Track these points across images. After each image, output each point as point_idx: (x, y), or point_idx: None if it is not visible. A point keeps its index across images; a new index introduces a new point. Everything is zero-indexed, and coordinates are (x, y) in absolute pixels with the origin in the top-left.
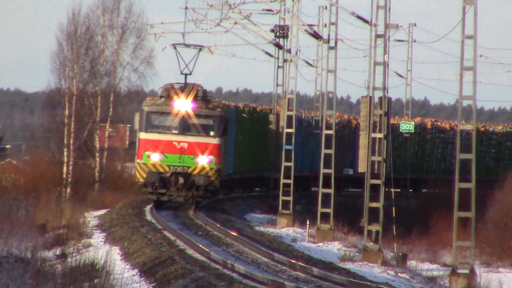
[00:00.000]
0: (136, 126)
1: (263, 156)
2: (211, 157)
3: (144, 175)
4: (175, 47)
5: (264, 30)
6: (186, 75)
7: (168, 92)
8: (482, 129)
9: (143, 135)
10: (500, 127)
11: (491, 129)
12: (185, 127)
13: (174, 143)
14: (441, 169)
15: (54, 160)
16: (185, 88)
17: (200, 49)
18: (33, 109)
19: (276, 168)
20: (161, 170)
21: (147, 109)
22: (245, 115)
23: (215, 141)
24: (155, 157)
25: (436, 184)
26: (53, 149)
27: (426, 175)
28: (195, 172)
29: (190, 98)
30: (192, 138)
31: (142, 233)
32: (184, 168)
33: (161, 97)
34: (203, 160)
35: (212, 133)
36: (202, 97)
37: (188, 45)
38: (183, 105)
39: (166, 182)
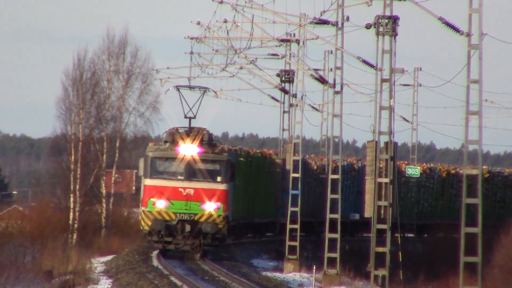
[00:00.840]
0: (141, 172)
1: (255, 201)
2: (219, 203)
3: (150, 223)
4: (178, 90)
5: (269, 75)
6: (190, 118)
7: (173, 137)
8: (453, 171)
9: (147, 182)
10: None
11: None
12: (191, 172)
13: (180, 189)
14: (414, 213)
15: (61, 206)
16: (190, 132)
17: (205, 91)
18: (39, 155)
19: (282, 212)
20: (167, 217)
21: (151, 155)
22: (242, 158)
23: (222, 187)
24: (160, 204)
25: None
26: (59, 195)
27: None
28: (202, 220)
29: (196, 142)
30: (198, 184)
31: (149, 279)
32: (191, 215)
33: (165, 142)
34: (210, 207)
35: (219, 179)
36: (208, 141)
37: (192, 87)
38: (189, 150)
39: (172, 230)
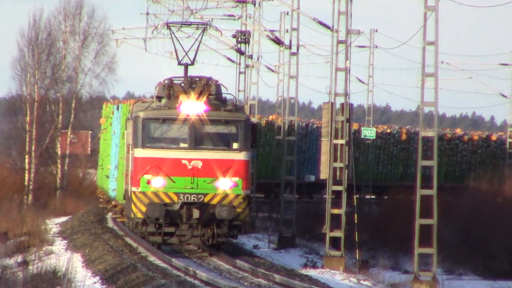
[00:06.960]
0: (129, 140)
1: None
2: (236, 179)
3: (143, 209)
4: (169, 28)
5: (225, 36)
6: (187, 65)
7: (170, 91)
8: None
9: (139, 153)
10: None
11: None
12: (197, 138)
13: (184, 161)
14: (372, 174)
15: (16, 167)
16: (193, 83)
17: (205, 29)
18: None
19: None
20: (167, 200)
21: (143, 115)
22: None
23: (240, 156)
24: (157, 183)
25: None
26: (14, 156)
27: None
28: (214, 202)
29: (203, 97)
30: (208, 153)
31: (104, 240)
32: (199, 196)
33: (158, 98)
34: (225, 184)
35: (236, 146)
36: (217, 95)
37: (187, 24)
38: (194, 107)
39: (175, 217)
